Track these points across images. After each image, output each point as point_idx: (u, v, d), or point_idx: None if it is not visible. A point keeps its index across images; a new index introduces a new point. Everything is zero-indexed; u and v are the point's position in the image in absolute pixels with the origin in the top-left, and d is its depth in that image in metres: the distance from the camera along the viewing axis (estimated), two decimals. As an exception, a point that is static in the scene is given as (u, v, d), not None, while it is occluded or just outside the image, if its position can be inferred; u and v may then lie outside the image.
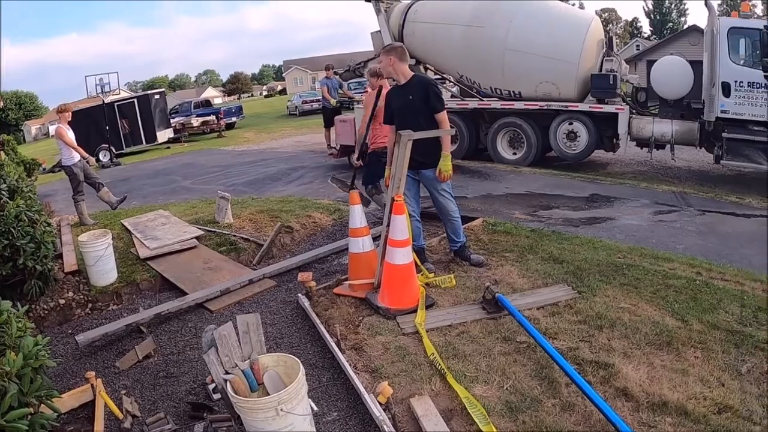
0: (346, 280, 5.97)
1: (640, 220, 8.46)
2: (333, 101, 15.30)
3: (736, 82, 11.56)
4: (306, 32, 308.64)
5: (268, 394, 3.50)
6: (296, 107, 44.50)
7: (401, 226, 5.21)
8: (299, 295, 5.84)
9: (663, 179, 12.59)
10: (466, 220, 7.52)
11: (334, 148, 14.56)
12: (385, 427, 3.60)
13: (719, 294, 5.55)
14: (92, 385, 4.35)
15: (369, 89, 7.88)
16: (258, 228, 8.04)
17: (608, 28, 13.69)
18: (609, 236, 7.54)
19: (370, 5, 15.33)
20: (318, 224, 8.37)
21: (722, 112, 11.75)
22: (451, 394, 3.98)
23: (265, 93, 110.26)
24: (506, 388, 4.07)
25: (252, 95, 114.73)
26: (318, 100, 45.87)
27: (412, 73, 6.09)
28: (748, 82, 11.46)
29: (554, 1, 14.66)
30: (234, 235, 7.66)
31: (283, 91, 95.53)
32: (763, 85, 11.28)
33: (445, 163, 5.89)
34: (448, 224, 6.40)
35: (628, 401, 3.89)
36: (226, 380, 3.52)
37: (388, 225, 5.33)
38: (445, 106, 6.06)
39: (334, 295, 5.75)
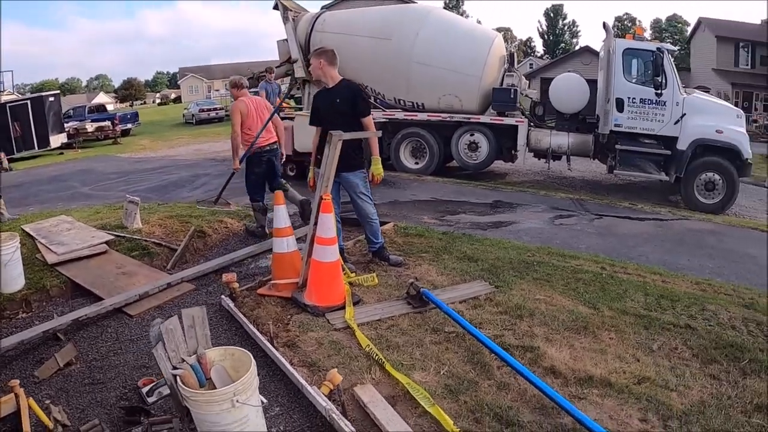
0: (269, 281, 6.14)
1: (543, 224, 9.19)
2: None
3: (629, 98, 12.87)
4: (204, 40, 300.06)
5: (215, 389, 3.52)
6: (193, 116, 43.98)
7: (329, 224, 5.46)
8: (223, 297, 5.94)
9: (560, 187, 13.63)
10: None
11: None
12: (334, 415, 3.78)
13: (624, 285, 6.30)
14: (16, 394, 4.06)
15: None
16: (168, 233, 8.04)
17: (507, 46, 14.72)
18: (516, 238, 8.17)
19: (276, 13, 15.51)
20: (230, 229, 8.47)
21: (616, 125, 13.00)
22: (391, 382, 4.27)
23: (158, 101, 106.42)
24: (443, 374, 4.43)
25: (145, 102, 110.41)
26: (215, 109, 45.12)
27: (341, 77, 6.44)
28: (641, 99, 12.83)
29: (460, 17, 15.46)
30: (145, 240, 7.64)
31: (177, 99, 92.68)
32: (653, 101, 12.65)
33: (377, 166, 6.33)
34: (367, 227, 6.75)
35: (557, 378, 4.39)
36: (175, 375, 3.51)
37: (316, 223, 5.57)
38: (371, 112, 6.46)
39: (259, 296, 5.89)
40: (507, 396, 4.15)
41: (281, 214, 6.17)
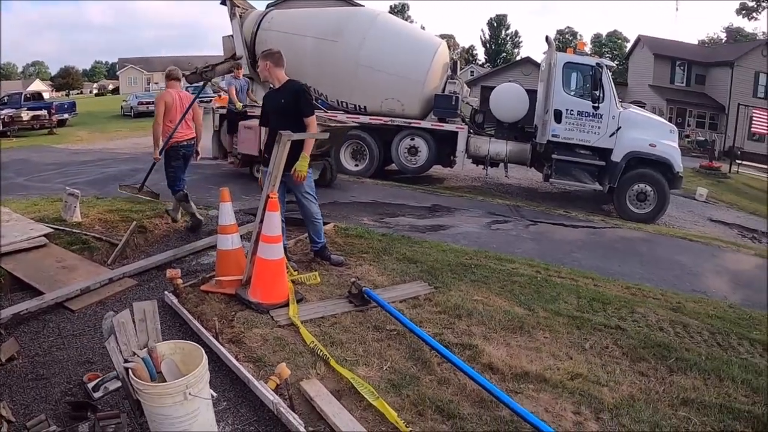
0: (213, 277, 6.20)
1: (480, 228, 9.53)
2: (239, 105, 13.99)
3: (567, 110, 13.45)
4: (147, 31, 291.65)
5: (167, 382, 3.58)
6: (131, 108, 42.63)
7: (275, 223, 5.61)
8: (166, 293, 5.95)
9: (497, 194, 14.11)
10: None
11: (236, 156, 13.51)
12: (281, 408, 3.92)
13: (558, 288, 6.68)
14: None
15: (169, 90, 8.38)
16: (109, 227, 8.00)
17: (450, 54, 15.07)
18: (454, 241, 8.46)
19: (224, 8, 15.48)
20: (171, 225, 8.47)
21: (553, 136, 13.54)
22: (336, 377, 4.44)
23: (96, 91, 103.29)
24: (386, 369, 4.63)
25: (82, 92, 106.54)
26: (155, 102, 44.05)
27: (287, 78, 6.63)
28: (578, 111, 13.41)
29: (406, 22, 15.74)
30: (85, 234, 7.58)
31: (115, 91, 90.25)
32: (591, 114, 13.27)
33: (302, 164, 6.37)
34: (311, 226, 6.91)
35: (495, 374, 4.67)
36: (127, 368, 3.55)
37: (262, 221, 5.70)
38: (315, 112, 6.65)
39: (203, 293, 5.95)
40: (448, 390, 4.39)
41: (226, 211, 6.25)
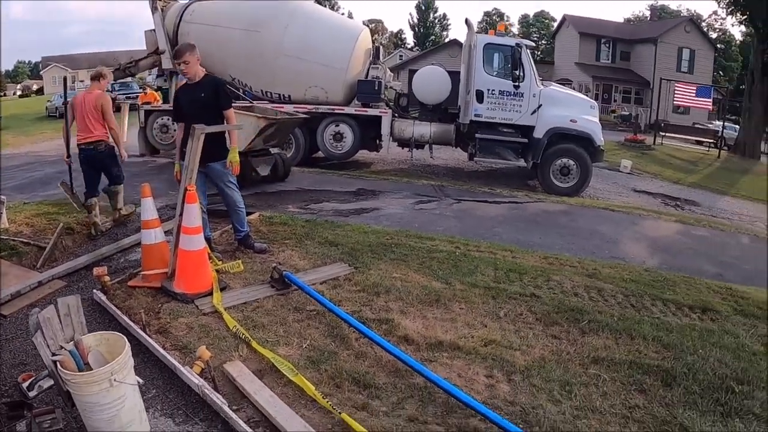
0: (139, 273, 6.23)
1: (404, 209, 9.70)
2: None
3: (488, 90, 13.79)
4: (70, 26, 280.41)
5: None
6: (56, 108, 41.09)
7: (194, 214, 5.68)
8: (95, 291, 5.95)
9: (423, 175, 14.35)
10: None
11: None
12: (206, 390, 4.05)
13: (476, 261, 6.90)
14: None
15: (100, 90, 8.20)
16: (36, 231, 7.84)
17: (375, 38, 15.01)
18: (377, 223, 8.60)
19: (146, 2, 15.21)
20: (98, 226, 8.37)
21: (476, 116, 13.85)
22: (257, 358, 4.57)
23: (19, 92, 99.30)
24: (305, 347, 4.78)
25: (5, 94, 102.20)
26: None
27: (204, 72, 6.71)
28: (499, 90, 13.78)
29: (328, 10, 15.79)
30: (13, 240, 7.44)
31: (40, 91, 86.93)
32: (512, 93, 13.65)
33: (234, 155, 6.56)
34: (234, 215, 6.98)
35: (410, 345, 4.86)
36: (55, 361, 3.62)
37: (181, 214, 5.76)
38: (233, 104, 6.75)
39: (130, 288, 5.98)
40: (364, 363, 4.57)
41: (148, 207, 6.26)
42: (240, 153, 9.63)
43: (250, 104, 12.60)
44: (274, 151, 11.57)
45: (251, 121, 10.06)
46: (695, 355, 5.06)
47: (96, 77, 8.18)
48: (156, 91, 17.80)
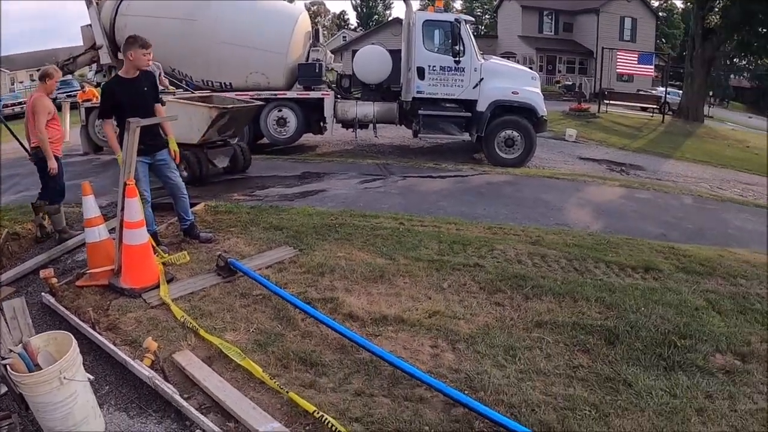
0: (86, 272, 6.15)
1: (349, 189, 9.74)
2: None
3: (429, 66, 13.84)
4: (5, 26, 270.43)
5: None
6: None
7: (136, 208, 5.67)
8: (43, 294, 5.84)
9: (368, 155, 14.41)
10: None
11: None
12: (156, 381, 4.08)
13: (420, 236, 7.00)
14: None
15: (41, 92, 7.74)
16: None
17: (317, 21, 15.12)
18: (322, 205, 8.62)
19: None
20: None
21: (418, 92, 13.92)
22: (206, 346, 4.60)
23: None
24: (252, 331, 4.82)
25: None
26: (20, 103, 41.51)
27: None
28: (440, 66, 13.84)
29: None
30: None
31: None
32: (453, 68, 13.73)
33: (174, 144, 6.66)
34: (179, 202, 6.94)
35: (355, 321, 4.95)
36: (5, 365, 3.62)
37: (123, 209, 5.71)
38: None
39: (78, 288, 5.92)
40: (311, 342, 4.64)
41: (89, 205, 6.15)
42: (195, 145, 9.95)
43: (209, 94, 12.20)
44: (233, 141, 11.32)
45: (203, 112, 9.80)
46: (638, 313, 5.24)
47: (41, 77, 7.80)
48: (95, 87, 17.40)
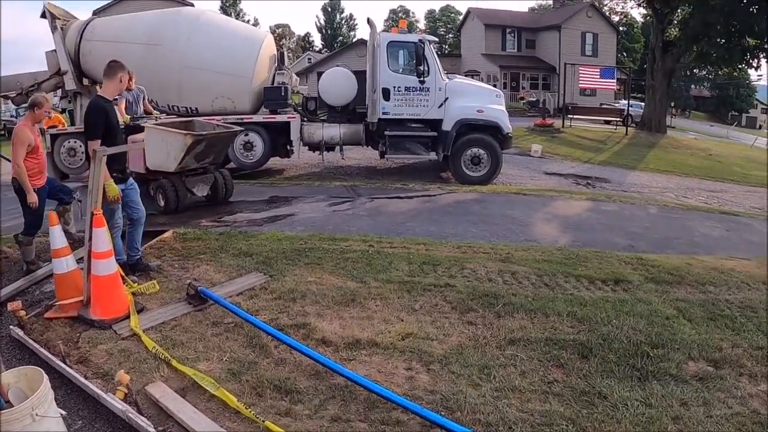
0: (55, 304, 6.05)
1: (317, 213, 9.75)
2: (125, 118, 10.78)
3: (395, 87, 14.06)
4: None
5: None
6: None
7: (103, 239, 5.60)
8: (11, 327, 5.75)
9: (336, 177, 14.48)
10: (156, 234, 8.20)
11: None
12: (131, 415, 4.02)
13: (390, 258, 7.03)
14: None
15: (26, 122, 7.58)
16: None
17: (281, 44, 15.19)
18: (291, 229, 8.60)
19: (45, 22, 14.73)
20: (10, 258, 7.98)
21: (384, 113, 14.08)
22: (178, 377, 4.55)
23: None
24: (225, 360, 4.78)
25: None
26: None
27: None
28: (405, 87, 14.06)
29: (230, 18, 15.66)
30: None
31: None
32: (417, 88, 13.95)
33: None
34: (138, 231, 6.88)
35: (328, 347, 4.93)
36: None
37: (90, 239, 5.65)
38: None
39: (47, 320, 5.80)
40: (285, 369, 4.61)
41: (56, 234, 6.08)
42: (172, 173, 9.73)
43: (190, 119, 11.72)
44: (212, 168, 10.91)
45: (178, 139, 9.42)
46: (609, 325, 5.30)
47: (30, 106, 7.45)
48: (61, 113, 17.21)
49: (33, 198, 7.14)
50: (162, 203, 10.04)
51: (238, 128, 11.89)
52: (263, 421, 3.80)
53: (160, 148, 9.08)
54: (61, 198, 8.22)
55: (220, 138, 10.56)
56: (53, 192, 7.96)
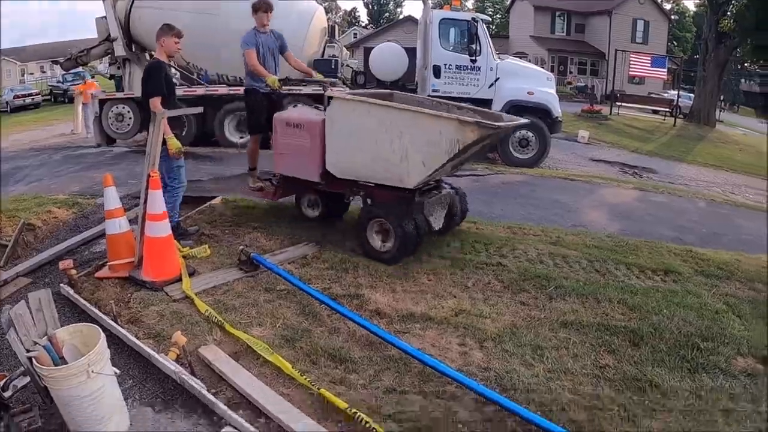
0: (105, 264, 6.15)
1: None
2: (273, 79, 7.87)
3: (445, 65, 13.89)
4: (19, 18, 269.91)
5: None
6: (7, 103, 40.00)
7: (159, 201, 5.66)
8: (62, 285, 5.84)
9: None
10: (205, 199, 8.32)
11: (270, 178, 7.97)
12: (183, 376, 4.07)
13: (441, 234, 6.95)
14: None
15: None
16: None
17: (329, 17, 14.99)
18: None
19: None
20: (59, 219, 8.15)
21: (433, 91, 13.87)
22: (232, 341, 4.61)
23: None
24: (278, 327, 4.84)
25: None
26: (31, 94, 41.56)
27: None
28: (456, 65, 13.89)
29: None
30: None
31: None
32: (469, 67, 13.80)
33: (174, 142, 6.42)
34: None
35: (382, 318, 4.97)
36: (30, 357, 3.58)
37: (146, 201, 5.71)
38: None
39: (97, 280, 5.90)
40: (339, 338, 4.66)
41: (111, 196, 6.15)
42: (400, 191, 6.25)
43: (389, 91, 8.28)
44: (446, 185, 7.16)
45: (449, 130, 5.58)
46: (660, 315, 5.25)
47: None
48: (110, 79, 17.38)
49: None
50: (379, 243, 6.26)
51: (525, 121, 7.50)
52: (318, 389, 3.84)
53: (388, 142, 5.93)
54: None
55: (504, 132, 7.28)
56: None
